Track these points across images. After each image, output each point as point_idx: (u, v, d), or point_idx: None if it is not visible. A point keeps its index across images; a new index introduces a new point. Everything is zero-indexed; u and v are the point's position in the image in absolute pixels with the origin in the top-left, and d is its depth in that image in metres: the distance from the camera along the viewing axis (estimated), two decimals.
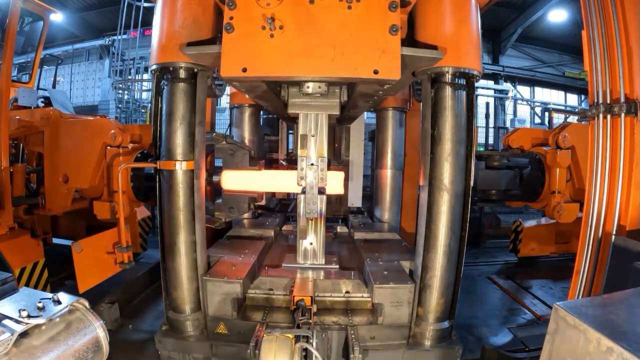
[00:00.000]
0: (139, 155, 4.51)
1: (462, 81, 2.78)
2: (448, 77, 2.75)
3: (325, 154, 3.14)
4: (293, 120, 4.78)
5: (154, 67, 2.89)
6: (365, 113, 5.65)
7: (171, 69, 2.84)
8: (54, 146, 4.56)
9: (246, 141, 5.21)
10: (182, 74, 2.85)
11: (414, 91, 5.18)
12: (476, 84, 2.89)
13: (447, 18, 2.76)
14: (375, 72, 2.39)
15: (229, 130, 5.61)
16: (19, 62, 9.09)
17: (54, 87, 8.37)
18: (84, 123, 4.74)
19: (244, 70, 2.43)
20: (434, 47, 2.69)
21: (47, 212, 4.72)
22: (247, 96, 3.69)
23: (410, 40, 2.85)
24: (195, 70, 2.88)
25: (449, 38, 2.71)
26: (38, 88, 6.70)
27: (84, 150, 4.43)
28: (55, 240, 5.95)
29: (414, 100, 5.27)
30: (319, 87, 2.89)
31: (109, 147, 4.32)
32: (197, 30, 2.79)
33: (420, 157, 3.01)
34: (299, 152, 3.13)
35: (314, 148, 3.14)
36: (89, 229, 5.64)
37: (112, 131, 4.27)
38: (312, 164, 3.13)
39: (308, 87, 2.89)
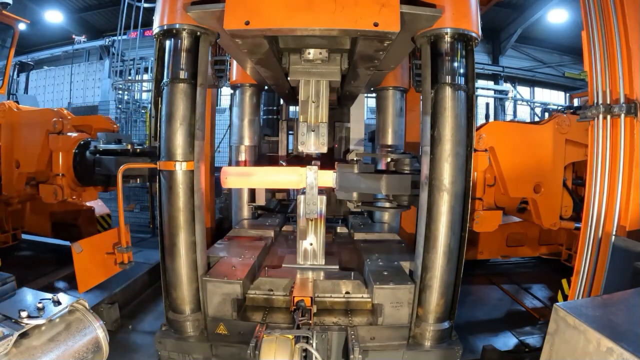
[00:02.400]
0: (81, 142, 4.92)
1: (461, 44, 2.76)
2: (447, 40, 2.74)
3: (326, 119, 3.13)
4: (294, 99, 4.64)
5: (157, 30, 2.90)
6: (365, 114, 5.66)
7: (174, 31, 2.85)
8: (9, 136, 5.18)
9: (246, 122, 5.16)
10: (185, 37, 2.85)
11: (415, 83, 5.16)
12: (476, 85, 2.87)
13: None
14: (375, 24, 2.42)
15: (229, 130, 5.59)
16: None
17: (26, 92, 8.74)
18: (32, 113, 5.38)
19: (247, 23, 2.44)
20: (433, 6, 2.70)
21: (3, 197, 5.34)
22: (248, 63, 3.60)
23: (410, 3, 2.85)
24: (198, 33, 2.88)
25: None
26: (9, 94, 7.20)
27: (31, 138, 4.99)
28: (25, 236, 6.36)
29: (414, 90, 5.26)
30: (320, 53, 2.88)
31: (50, 135, 4.81)
32: None
33: (420, 157, 3.01)
34: (300, 117, 3.13)
35: (314, 114, 3.12)
36: (55, 225, 6.10)
37: (54, 119, 4.81)
38: (312, 165, 3.12)
39: (309, 54, 2.87)
